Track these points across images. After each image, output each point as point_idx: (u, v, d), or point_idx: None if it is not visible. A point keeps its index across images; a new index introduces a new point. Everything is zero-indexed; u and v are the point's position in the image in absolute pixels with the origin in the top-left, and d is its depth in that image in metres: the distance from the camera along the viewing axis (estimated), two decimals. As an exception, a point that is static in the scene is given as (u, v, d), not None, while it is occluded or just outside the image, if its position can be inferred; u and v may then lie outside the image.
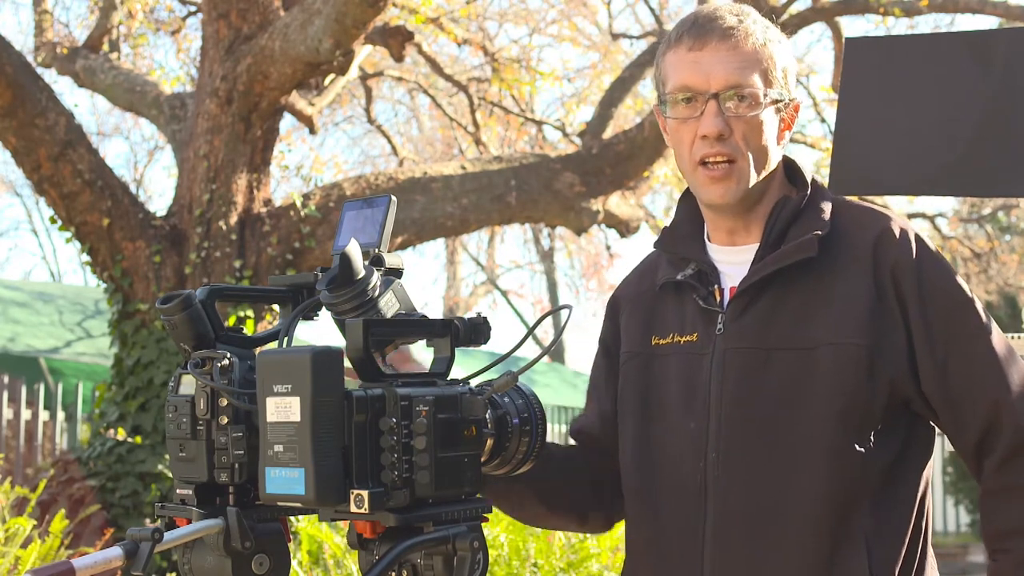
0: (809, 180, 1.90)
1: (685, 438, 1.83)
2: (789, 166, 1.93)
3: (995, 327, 1.80)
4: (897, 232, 1.82)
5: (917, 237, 1.83)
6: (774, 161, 1.86)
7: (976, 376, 1.76)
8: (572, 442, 2.08)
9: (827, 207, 1.86)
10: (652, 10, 13.13)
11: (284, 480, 1.32)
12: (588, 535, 5.67)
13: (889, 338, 1.77)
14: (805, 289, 1.81)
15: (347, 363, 1.39)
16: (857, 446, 1.76)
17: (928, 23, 14.40)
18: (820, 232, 1.81)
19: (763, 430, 1.78)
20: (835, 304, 1.78)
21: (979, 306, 1.80)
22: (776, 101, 1.83)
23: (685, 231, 1.95)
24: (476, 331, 1.52)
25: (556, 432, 12.02)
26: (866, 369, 1.75)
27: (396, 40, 8.10)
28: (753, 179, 1.83)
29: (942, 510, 14.48)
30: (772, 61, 1.83)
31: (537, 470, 1.72)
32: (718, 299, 1.86)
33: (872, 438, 1.77)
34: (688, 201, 1.98)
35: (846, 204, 1.89)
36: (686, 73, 1.81)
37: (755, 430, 1.79)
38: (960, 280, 1.82)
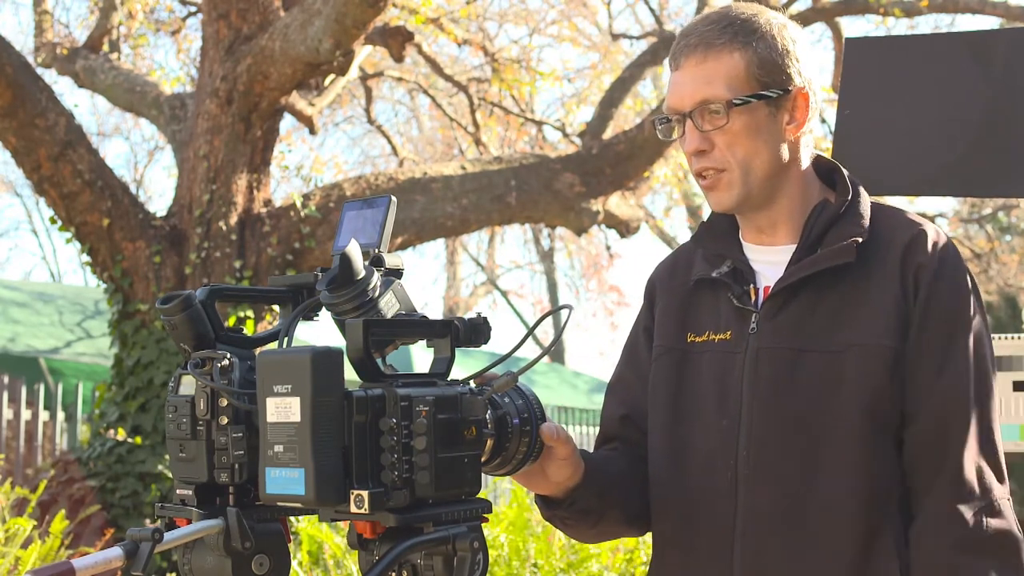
0: (851, 185, 1.89)
1: (717, 435, 1.84)
2: (832, 169, 1.93)
3: (983, 355, 1.81)
4: (928, 239, 1.83)
5: (944, 249, 1.83)
6: (776, 160, 1.85)
7: (947, 400, 1.77)
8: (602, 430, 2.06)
9: (867, 213, 1.86)
10: (652, 10, 13.14)
11: (284, 480, 1.32)
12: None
13: (909, 339, 1.79)
14: (840, 293, 1.81)
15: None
16: (886, 444, 1.78)
17: (928, 23, 14.42)
18: (859, 239, 1.81)
19: (794, 428, 1.80)
20: (868, 309, 1.80)
21: (974, 333, 1.80)
22: (752, 99, 1.80)
23: (722, 228, 1.95)
24: (476, 331, 1.52)
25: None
26: (892, 370, 1.77)
27: (396, 40, 8.10)
28: (749, 184, 1.83)
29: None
30: (745, 62, 1.81)
31: (615, 480, 1.85)
32: (752, 298, 1.87)
33: (899, 438, 1.79)
34: None
35: (885, 210, 1.89)
36: (669, 95, 1.86)
37: (786, 428, 1.80)
38: (972, 303, 1.82)
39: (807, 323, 1.82)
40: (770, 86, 1.81)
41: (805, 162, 1.89)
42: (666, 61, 10.32)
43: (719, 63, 1.81)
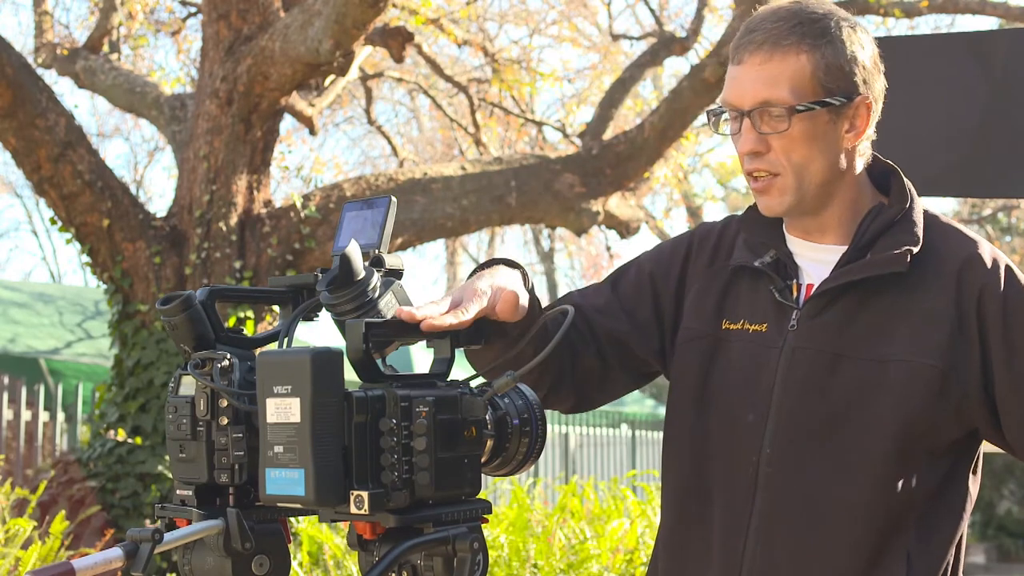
0: (908, 192, 1.85)
1: (741, 430, 1.82)
2: (887, 173, 1.88)
3: None
4: (987, 258, 1.79)
5: (1007, 266, 1.80)
6: (832, 168, 1.79)
7: None
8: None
9: (920, 222, 1.82)
10: (652, 11, 13.14)
11: (284, 481, 1.32)
12: (588, 537, 5.67)
13: (964, 363, 1.75)
14: (886, 302, 1.78)
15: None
16: (912, 463, 1.75)
17: (928, 24, 14.43)
18: (913, 248, 1.77)
19: (821, 432, 1.77)
20: (914, 322, 1.76)
21: None
22: (816, 106, 1.75)
23: (769, 217, 1.89)
24: (476, 332, 1.52)
25: (555, 432, 12.02)
26: (937, 392, 1.74)
27: (396, 41, 8.10)
28: (802, 191, 1.79)
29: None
30: (815, 65, 1.75)
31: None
32: (794, 294, 1.83)
33: (927, 459, 1.77)
34: None
35: (937, 221, 1.85)
36: (728, 90, 1.79)
37: (813, 431, 1.77)
38: None
39: (849, 328, 1.78)
40: (834, 93, 1.76)
41: (859, 168, 1.84)
42: (666, 62, 10.14)
43: (785, 64, 1.75)
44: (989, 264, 1.79)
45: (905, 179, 1.87)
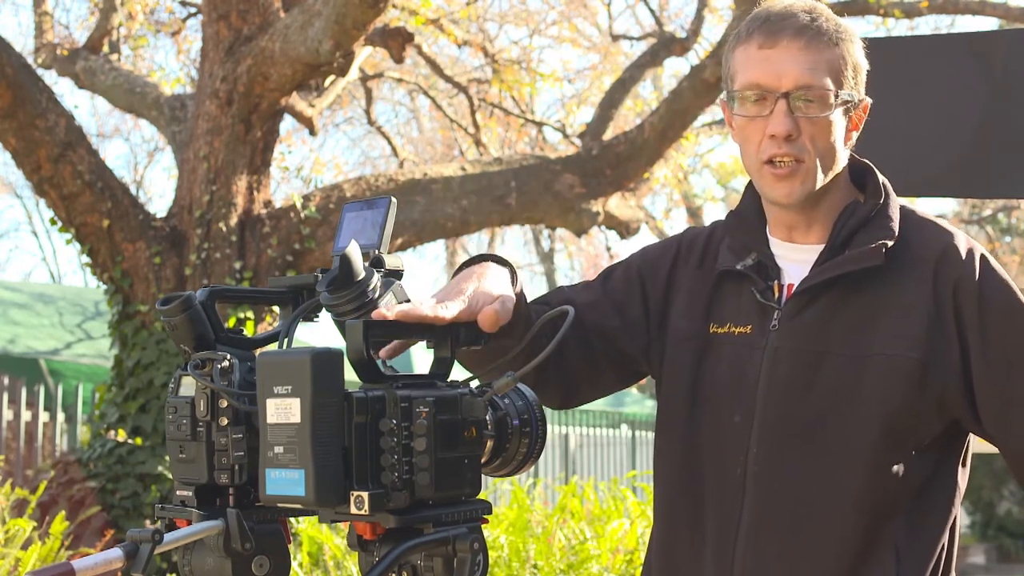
0: (882, 188, 1.88)
1: (728, 431, 1.83)
2: (863, 171, 1.91)
3: None
4: (962, 250, 1.81)
5: (982, 256, 1.82)
6: (841, 162, 1.84)
7: None
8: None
9: (896, 216, 1.85)
10: (652, 11, 13.15)
11: (284, 481, 1.32)
12: (588, 537, 5.67)
13: (943, 354, 1.76)
14: (865, 297, 1.80)
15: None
16: (897, 457, 1.77)
17: (928, 24, 14.45)
18: (888, 242, 1.80)
19: (806, 430, 1.79)
20: (893, 315, 1.78)
21: None
22: (846, 102, 1.81)
23: (751, 220, 1.93)
24: (476, 332, 1.52)
25: (555, 433, 12.02)
26: (917, 383, 1.75)
27: (396, 41, 8.10)
28: (819, 180, 1.81)
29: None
30: (843, 61, 1.80)
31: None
32: (776, 294, 1.86)
33: (913, 451, 1.78)
34: (755, 189, 1.95)
35: (913, 216, 1.88)
36: (757, 70, 1.79)
37: (798, 430, 1.79)
38: (1020, 297, 1.81)
39: (830, 325, 1.80)
40: (851, 90, 1.81)
41: (844, 165, 1.88)
42: (666, 62, 10.10)
43: (825, 53, 1.78)
44: (964, 255, 1.81)
45: (880, 176, 1.90)
